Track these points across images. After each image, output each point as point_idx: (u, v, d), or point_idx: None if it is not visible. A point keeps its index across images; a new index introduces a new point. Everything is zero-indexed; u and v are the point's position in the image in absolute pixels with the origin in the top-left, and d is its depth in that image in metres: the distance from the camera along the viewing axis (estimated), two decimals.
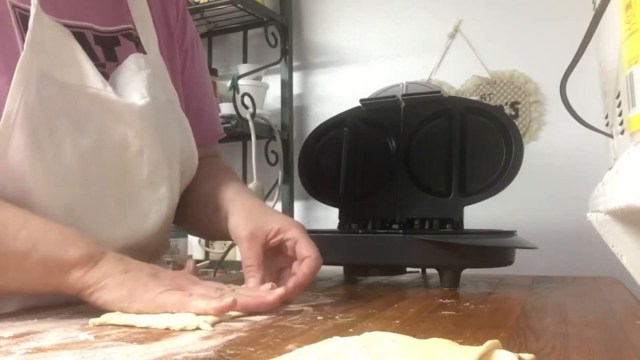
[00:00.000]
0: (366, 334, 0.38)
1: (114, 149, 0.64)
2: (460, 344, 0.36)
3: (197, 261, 1.64)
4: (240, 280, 0.82)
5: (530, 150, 1.47)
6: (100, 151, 0.62)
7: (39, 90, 0.57)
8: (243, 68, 1.71)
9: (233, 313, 0.52)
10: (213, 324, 0.48)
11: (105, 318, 0.50)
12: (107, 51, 0.68)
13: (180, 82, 0.78)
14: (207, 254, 1.74)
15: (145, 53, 0.70)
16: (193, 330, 0.46)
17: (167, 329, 0.47)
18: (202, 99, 0.83)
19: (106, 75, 0.65)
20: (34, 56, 0.57)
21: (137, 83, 0.67)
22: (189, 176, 0.76)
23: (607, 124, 0.61)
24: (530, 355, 0.35)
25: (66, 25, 0.63)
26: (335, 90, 1.76)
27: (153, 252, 0.72)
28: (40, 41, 0.58)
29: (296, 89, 1.80)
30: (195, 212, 0.78)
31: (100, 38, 0.67)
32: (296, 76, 1.80)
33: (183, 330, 0.46)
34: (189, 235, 1.61)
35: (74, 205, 0.60)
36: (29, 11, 0.58)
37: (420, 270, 0.94)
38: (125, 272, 0.54)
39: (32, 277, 0.53)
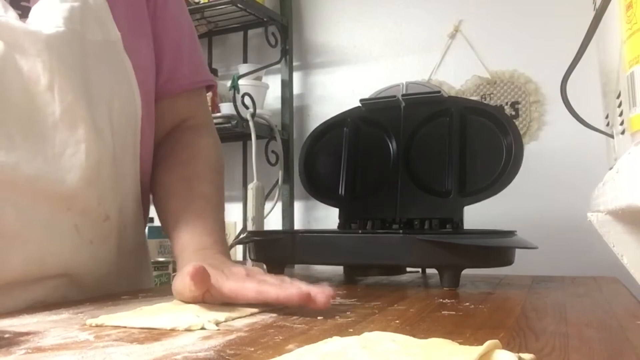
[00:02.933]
0: (366, 334, 0.38)
1: (21, 82, 0.58)
2: (460, 344, 0.36)
3: None
4: None
5: (530, 150, 1.47)
6: (4, 84, 0.57)
7: None
8: (243, 68, 1.71)
9: (234, 314, 0.52)
10: (217, 324, 0.48)
11: (103, 319, 0.49)
12: None
13: (149, 25, 0.74)
14: None
15: None
16: (194, 330, 0.46)
17: (172, 329, 0.46)
18: (178, 40, 0.78)
19: (28, 9, 0.60)
20: None
21: (55, 14, 0.61)
22: (133, 123, 0.70)
23: (607, 124, 0.62)
24: (530, 355, 0.35)
25: None
26: (335, 90, 1.76)
27: (88, 212, 0.64)
28: None
29: (296, 89, 1.80)
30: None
31: None
32: (296, 76, 1.80)
33: (187, 330, 0.46)
34: None
35: None
36: None
37: (420, 270, 0.94)
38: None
39: None
